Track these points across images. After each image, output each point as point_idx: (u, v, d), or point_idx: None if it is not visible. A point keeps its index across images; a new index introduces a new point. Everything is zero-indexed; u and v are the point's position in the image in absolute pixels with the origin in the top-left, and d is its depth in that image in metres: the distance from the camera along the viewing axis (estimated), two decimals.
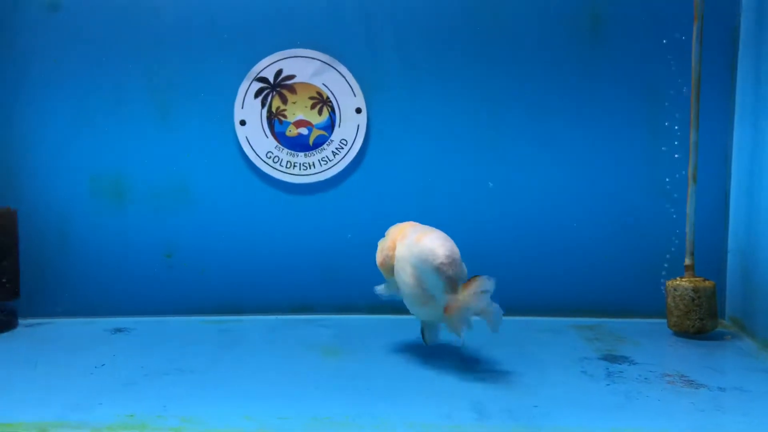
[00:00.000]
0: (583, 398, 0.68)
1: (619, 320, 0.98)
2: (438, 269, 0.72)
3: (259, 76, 1.01)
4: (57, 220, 1.01)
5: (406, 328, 0.96)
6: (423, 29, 1.00)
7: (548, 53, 0.99)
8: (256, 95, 1.02)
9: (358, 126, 1.02)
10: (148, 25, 1.00)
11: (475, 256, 1.01)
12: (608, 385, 0.72)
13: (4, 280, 0.94)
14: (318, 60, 1.01)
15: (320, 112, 1.02)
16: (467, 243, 1.01)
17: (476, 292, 0.72)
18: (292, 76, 1.02)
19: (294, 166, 1.03)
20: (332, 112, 1.02)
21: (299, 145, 1.03)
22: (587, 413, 0.65)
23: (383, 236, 0.90)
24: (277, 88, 1.02)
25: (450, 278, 0.72)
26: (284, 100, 1.02)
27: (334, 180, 1.03)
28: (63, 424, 0.63)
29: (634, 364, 0.79)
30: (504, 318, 0.98)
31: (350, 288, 1.03)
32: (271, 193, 1.03)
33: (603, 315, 1.00)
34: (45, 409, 0.67)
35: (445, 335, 0.82)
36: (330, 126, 1.03)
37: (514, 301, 1.00)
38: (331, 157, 1.03)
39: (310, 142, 1.03)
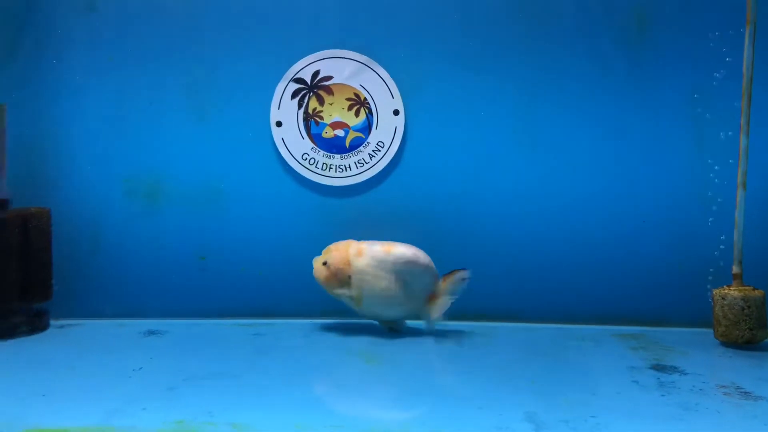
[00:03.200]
0: (640, 409, 0.66)
1: (661, 329, 0.96)
2: (427, 268, 0.92)
3: (296, 76, 1.00)
4: (90, 221, 1.00)
5: (441, 333, 0.95)
6: (462, 30, 0.99)
7: (592, 54, 0.98)
8: (293, 96, 1.01)
9: (396, 128, 1.01)
10: (186, 26, 0.99)
11: (514, 260, 1.01)
12: (662, 396, 0.70)
13: (36, 281, 0.93)
14: (356, 61, 1.00)
15: (357, 114, 1.01)
16: (504, 247, 1.01)
17: (458, 281, 0.92)
18: (329, 77, 1.00)
19: (330, 168, 1.01)
20: (369, 113, 1.01)
21: (335, 146, 1.01)
22: (647, 424, 0.63)
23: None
24: (314, 89, 1.01)
25: (436, 273, 0.92)
26: (321, 102, 1.01)
27: (370, 182, 1.01)
28: (109, 429, 0.62)
29: (684, 374, 0.77)
30: (542, 325, 0.99)
31: None
32: (307, 195, 1.02)
33: (643, 323, 0.98)
34: (88, 413, 0.65)
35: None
36: (367, 128, 1.01)
37: (552, 307, 1.00)
38: (367, 159, 1.01)
39: (347, 144, 1.01)
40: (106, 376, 0.76)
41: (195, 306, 1.00)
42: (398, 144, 1.01)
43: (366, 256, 0.91)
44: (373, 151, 1.01)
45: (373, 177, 1.01)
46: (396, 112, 1.00)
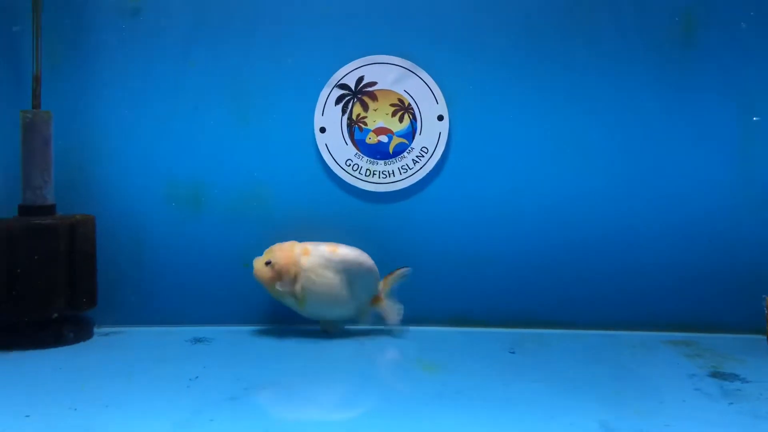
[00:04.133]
0: (711, 417, 0.66)
1: (712, 335, 0.96)
2: (371, 269, 0.94)
3: (340, 82, 1.00)
4: (133, 227, 0.99)
5: (486, 339, 0.94)
6: (506, 35, 0.98)
7: (638, 56, 0.97)
8: (337, 102, 1.00)
9: (440, 133, 1.00)
10: (229, 31, 0.98)
11: (559, 265, 1.00)
12: (731, 404, 0.69)
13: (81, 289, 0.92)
14: (400, 66, 0.99)
15: (401, 120, 1.01)
16: (551, 251, 1.00)
17: (398, 278, 0.95)
18: (373, 83, 1.00)
19: (373, 174, 1.01)
20: (413, 119, 1.00)
21: (379, 152, 1.01)
22: None
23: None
24: (358, 94, 1.00)
25: (378, 276, 0.95)
26: (365, 107, 1.00)
27: (413, 188, 1.01)
28: None
29: (747, 382, 0.76)
30: (589, 332, 0.99)
31: (427, 299, 1.01)
32: (350, 201, 1.01)
33: (692, 330, 0.97)
34: (157, 425, 0.65)
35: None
36: (411, 134, 1.01)
37: (600, 313, 0.99)
38: (411, 165, 1.01)
39: (390, 149, 1.01)
40: (164, 386, 0.75)
41: (239, 313, 1.00)
42: (442, 149, 1.00)
43: (312, 256, 0.92)
44: (416, 156, 1.00)
45: (416, 182, 1.00)
46: (440, 118, 1.00)
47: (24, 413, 0.66)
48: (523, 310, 1.00)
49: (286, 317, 0.99)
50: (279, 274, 0.92)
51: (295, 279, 0.92)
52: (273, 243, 0.99)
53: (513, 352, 0.88)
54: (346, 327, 0.97)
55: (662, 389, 0.74)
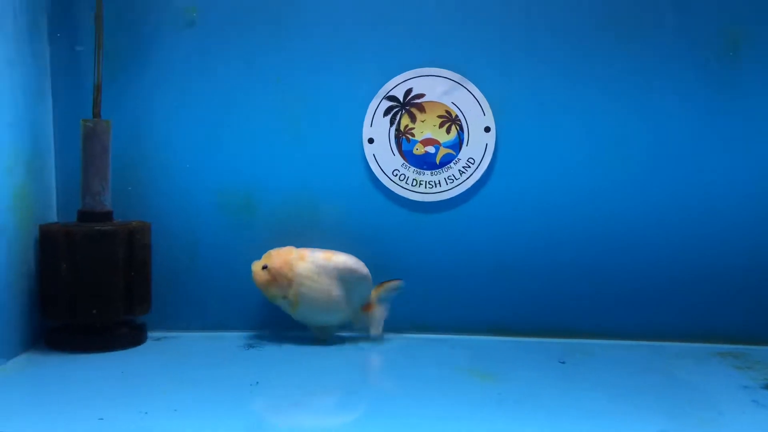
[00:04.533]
0: None
1: (760, 348, 0.96)
2: (365, 277, 0.96)
3: (389, 94, 1.01)
4: (185, 233, 1.01)
5: (532, 349, 0.95)
6: (553, 46, 1.00)
7: (687, 63, 0.98)
8: (386, 113, 1.02)
9: (487, 145, 1.02)
10: (281, 42, 1.00)
11: (605, 276, 1.01)
12: None
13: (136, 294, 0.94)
14: (448, 79, 1.01)
15: (448, 131, 1.02)
16: (597, 262, 1.01)
17: (390, 290, 0.97)
18: (421, 95, 1.02)
19: (420, 184, 1.02)
20: (461, 130, 1.02)
21: (426, 163, 1.02)
22: None
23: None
24: (406, 106, 1.02)
25: (371, 284, 0.97)
26: (413, 119, 1.02)
27: (460, 198, 1.02)
28: None
29: None
30: (634, 342, 0.99)
31: (469, 308, 1.03)
32: (397, 211, 1.03)
33: (739, 341, 0.98)
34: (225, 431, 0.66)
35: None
36: (458, 144, 1.02)
37: (645, 323, 1.00)
38: (457, 175, 1.02)
39: (437, 160, 1.02)
40: (227, 391, 0.77)
41: (287, 318, 1.02)
42: (489, 161, 1.01)
43: (308, 261, 0.94)
44: (463, 167, 1.02)
45: (462, 193, 1.02)
46: (487, 129, 1.02)
47: (97, 416, 0.68)
48: (569, 320, 1.01)
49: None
50: (274, 278, 0.94)
51: (289, 283, 0.94)
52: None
53: (563, 362, 0.89)
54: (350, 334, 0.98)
55: (718, 400, 0.75)
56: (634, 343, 0.99)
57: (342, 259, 0.95)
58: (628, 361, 0.91)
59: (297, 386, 0.78)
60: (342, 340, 0.98)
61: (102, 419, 0.67)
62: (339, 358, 0.91)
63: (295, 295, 0.94)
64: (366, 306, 0.97)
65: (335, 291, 0.94)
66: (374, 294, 0.97)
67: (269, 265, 0.95)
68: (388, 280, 0.97)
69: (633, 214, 1.00)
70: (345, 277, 0.95)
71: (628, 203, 1.01)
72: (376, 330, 0.97)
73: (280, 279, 0.94)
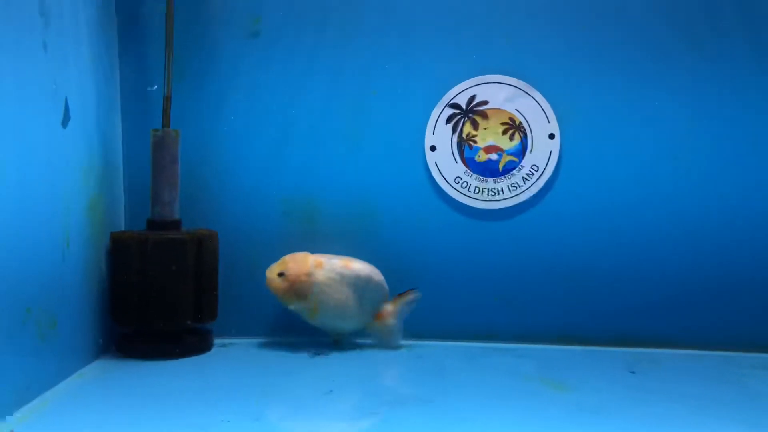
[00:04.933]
0: None
1: None
2: (381, 285, 0.96)
3: (451, 102, 1.01)
4: (249, 241, 1.02)
5: (599, 358, 0.94)
6: (619, 53, 0.99)
7: (752, 76, 0.97)
8: (448, 121, 1.02)
9: (551, 152, 1.01)
10: (345, 51, 1.01)
11: (673, 283, 1.00)
12: None
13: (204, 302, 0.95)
14: (512, 86, 1.00)
15: (512, 138, 1.02)
16: (663, 270, 1.00)
17: (408, 302, 0.97)
18: (485, 102, 1.01)
19: (482, 191, 1.02)
20: (524, 137, 1.02)
21: (488, 170, 1.02)
22: None
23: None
24: (469, 113, 1.02)
25: (387, 292, 0.97)
26: (476, 126, 1.02)
27: (523, 206, 1.02)
28: None
29: None
30: (704, 352, 0.98)
31: (534, 316, 1.02)
32: (458, 218, 1.02)
33: None
34: None
35: None
36: (521, 152, 1.02)
37: (714, 333, 0.99)
38: (521, 182, 1.02)
39: (500, 167, 1.02)
40: (303, 399, 0.77)
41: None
42: (553, 168, 1.01)
43: (326, 269, 0.94)
44: (526, 174, 1.01)
45: (526, 200, 1.01)
46: (551, 136, 1.01)
47: (184, 424, 0.69)
48: (635, 329, 1.00)
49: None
50: (291, 285, 0.93)
51: (308, 291, 0.93)
52: (383, 258, 1.01)
53: (633, 372, 0.88)
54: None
55: None
56: (702, 352, 0.98)
57: (359, 267, 0.95)
58: (698, 372, 0.89)
59: (368, 395, 0.78)
60: (401, 348, 0.98)
61: (189, 427, 0.68)
62: (403, 365, 0.91)
63: (314, 302, 0.94)
64: (379, 315, 0.96)
65: (351, 298, 0.94)
66: (391, 306, 0.97)
67: (286, 272, 0.94)
68: (405, 292, 0.97)
69: (701, 220, 0.99)
70: (361, 285, 0.95)
71: (696, 209, 0.99)
72: (392, 342, 0.97)
73: (297, 286, 0.94)
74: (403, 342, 1.00)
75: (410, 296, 0.97)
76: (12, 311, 0.71)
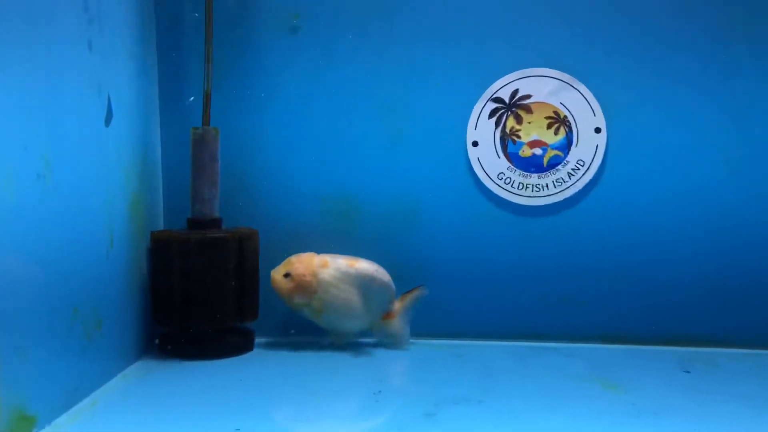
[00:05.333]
0: None
1: None
2: (387, 285, 0.94)
3: (494, 96, 0.99)
4: (289, 239, 1.00)
5: (649, 358, 0.92)
6: (668, 45, 0.96)
7: None
8: (491, 115, 1.00)
9: (597, 146, 0.98)
10: (385, 46, 0.99)
11: (725, 280, 0.97)
12: None
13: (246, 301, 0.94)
14: (556, 79, 0.98)
15: (556, 132, 0.99)
16: (715, 268, 0.97)
17: (415, 299, 0.95)
18: (528, 96, 0.99)
19: (526, 187, 1.00)
20: (569, 131, 0.99)
21: (533, 165, 1.00)
22: None
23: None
24: (512, 108, 0.99)
25: (393, 292, 0.95)
26: (519, 120, 1.00)
27: (569, 202, 0.99)
28: None
29: None
30: (759, 351, 0.95)
31: (582, 315, 1.00)
32: (501, 215, 1.00)
33: None
34: None
35: None
36: (566, 146, 0.99)
37: (763, 330, 0.96)
38: (566, 178, 0.99)
39: (545, 162, 1.00)
40: (352, 400, 0.76)
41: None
42: (599, 162, 0.98)
43: (331, 268, 0.93)
44: (572, 169, 0.99)
45: (571, 196, 0.99)
46: (597, 130, 0.98)
47: (233, 426, 0.67)
48: (686, 327, 0.97)
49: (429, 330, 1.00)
50: (298, 286, 0.92)
51: (314, 290, 0.92)
52: (424, 257, 1.00)
53: (688, 372, 0.86)
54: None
55: None
56: (758, 352, 0.95)
57: (364, 266, 0.94)
58: (755, 372, 0.87)
59: (419, 396, 0.76)
60: (440, 348, 0.96)
61: (238, 429, 0.67)
62: (450, 366, 0.89)
63: (319, 301, 0.92)
64: (387, 315, 0.95)
65: (356, 298, 0.93)
66: (398, 304, 0.95)
67: (291, 272, 0.93)
68: (411, 290, 0.95)
69: (753, 218, 0.96)
70: (366, 284, 0.93)
71: (748, 207, 0.96)
72: (401, 340, 0.95)
73: (304, 286, 0.92)
74: (445, 342, 0.99)
75: (417, 293, 0.95)
76: (61, 312, 0.70)
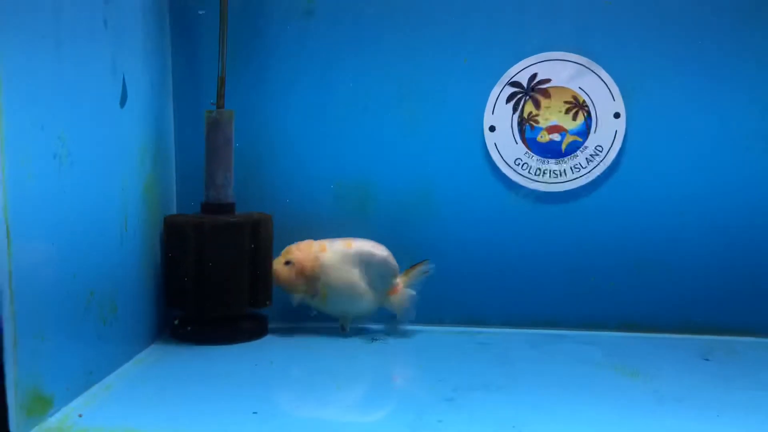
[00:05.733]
0: None
1: None
2: (386, 260, 0.93)
3: (512, 80, 0.98)
4: (303, 225, 0.99)
5: (669, 346, 0.91)
6: (691, 31, 0.94)
7: None
8: (508, 100, 0.98)
9: (616, 132, 0.97)
10: (400, 30, 0.97)
11: (745, 269, 0.95)
12: None
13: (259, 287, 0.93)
14: (575, 63, 0.96)
15: (575, 117, 0.98)
16: (735, 256, 0.96)
17: (419, 274, 0.94)
18: (547, 80, 0.97)
19: (544, 173, 0.99)
20: (588, 116, 0.98)
21: (551, 151, 0.98)
22: None
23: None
24: (530, 92, 0.98)
25: (396, 266, 0.94)
26: (537, 105, 0.98)
27: (586, 188, 0.98)
28: None
29: None
30: None
31: (599, 303, 0.98)
32: (519, 201, 0.99)
33: None
34: (392, 425, 0.64)
35: None
36: (585, 131, 0.98)
37: None
38: (584, 164, 0.98)
39: (563, 148, 0.98)
40: (369, 384, 0.75)
41: (416, 312, 0.98)
42: (618, 148, 0.97)
43: (330, 251, 0.93)
44: (590, 155, 0.98)
45: (590, 182, 0.97)
46: (617, 115, 0.97)
47: (251, 409, 0.67)
48: (705, 315, 0.96)
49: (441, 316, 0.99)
50: (301, 273, 0.92)
51: (316, 276, 0.91)
52: (440, 243, 0.99)
53: (708, 360, 0.85)
54: None
55: None
56: None
57: (359, 244, 0.93)
58: None
59: (438, 381, 0.75)
60: (456, 334, 0.96)
61: (256, 413, 0.66)
62: (467, 352, 0.88)
63: (323, 286, 0.92)
64: (392, 290, 0.94)
65: (358, 277, 0.92)
66: (403, 279, 0.94)
67: (293, 260, 0.92)
68: (415, 265, 0.95)
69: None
70: (365, 262, 0.93)
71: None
72: (405, 316, 0.94)
73: (307, 273, 0.92)
74: (461, 329, 0.98)
75: (421, 268, 0.94)
76: (77, 295, 0.69)
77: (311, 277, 0.92)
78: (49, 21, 0.64)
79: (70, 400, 0.67)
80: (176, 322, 0.92)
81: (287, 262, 0.93)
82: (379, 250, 0.93)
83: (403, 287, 0.94)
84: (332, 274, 0.92)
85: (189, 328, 0.91)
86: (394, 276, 0.94)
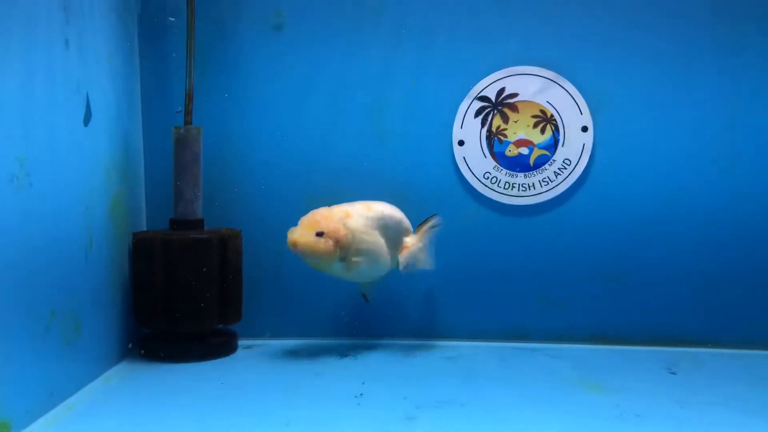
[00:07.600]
0: None
1: None
2: (402, 220, 0.94)
3: (480, 94, 0.98)
4: (272, 241, 0.99)
5: (636, 359, 0.91)
6: (656, 44, 0.95)
7: None
8: (477, 114, 0.99)
9: (584, 145, 0.98)
10: (370, 45, 0.98)
11: (711, 280, 0.96)
12: None
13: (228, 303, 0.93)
14: (542, 77, 0.97)
15: (543, 131, 0.99)
16: (701, 267, 0.96)
17: (429, 228, 0.95)
18: (515, 95, 0.98)
19: (512, 186, 0.99)
20: (556, 130, 0.98)
21: (519, 165, 0.99)
22: None
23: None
24: (498, 106, 0.98)
25: (410, 226, 0.95)
26: (505, 119, 0.99)
27: (555, 201, 0.98)
28: None
29: None
30: (746, 351, 0.94)
31: (568, 315, 0.99)
32: (487, 214, 1.00)
33: None
34: None
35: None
36: (553, 145, 0.98)
37: (755, 331, 0.95)
38: (552, 177, 0.98)
39: (531, 162, 0.99)
40: (333, 402, 0.75)
41: (380, 326, 0.99)
42: (586, 161, 0.97)
43: (354, 216, 0.90)
44: (558, 169, 0.98)
45: (557, 196, 0.98)
46: (584, 129, 0.98)
47: (212, 428, 0.66)
48: (672, 327, 0.97)
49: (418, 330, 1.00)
50: (337, 243, 0.87)
51: (349, 243, 0.88)
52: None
53: (674, 373, 0.85)
54: None
55: None
56: (745, 352, 0.94)
57: (380, 207, 0.93)
58: (742, 372, 0.86)
59: (401, 399, 0.75)
60: (424, 349, 0.96)
61: (216, 431, 0.66)
62: (435, 367, 0.88)
63: (356, 252, 0.89)
64: (403, 247, 0.94)
65: (381, 239, 0.91)
66: (415, 235, 0.94)
67: (325, 231, 0.86)
68: (426, 219, 0.94)
69: (740, 217, 0.95)
70: (384, 224, 0.92)
71: (736, 206, 0.96)
72: (427, 263, 0.94)
73: (342, 242, 0.87)
74: (429, 343, 0.98)
75: (432, 222, 0.94)
76: (37, 315, 0.69)
77: (345, 246, 0.88)
78: (9, 43, 0.64)
79: (30, 423, 0.67)
80: (130, 345, 0.92)
81: (319, 234, 0.87)
82: (397, 212, 0.94)
83: (413, 240, 0.94)
84: (364, 239, 0.89)
85: (143, 350, 0.91)
86: (407, 234, 0.94)
